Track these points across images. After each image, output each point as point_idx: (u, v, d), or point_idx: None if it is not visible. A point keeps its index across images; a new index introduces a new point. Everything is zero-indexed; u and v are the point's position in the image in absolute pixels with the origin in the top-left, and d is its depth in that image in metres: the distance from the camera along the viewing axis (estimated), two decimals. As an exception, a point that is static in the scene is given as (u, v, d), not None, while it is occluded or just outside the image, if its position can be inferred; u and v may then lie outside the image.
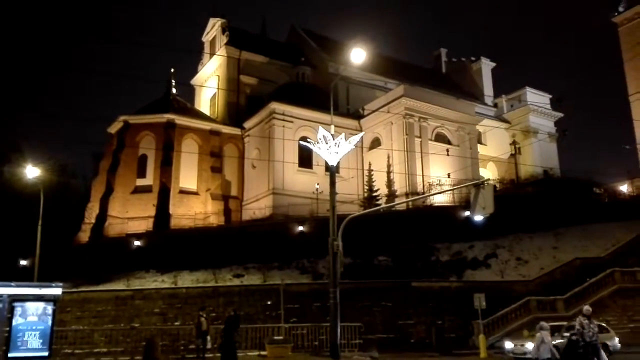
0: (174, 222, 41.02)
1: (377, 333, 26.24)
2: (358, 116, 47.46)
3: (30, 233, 29.82)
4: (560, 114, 60.36)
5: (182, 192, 43.48)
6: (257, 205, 42.66)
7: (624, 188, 46.20)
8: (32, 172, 28.21)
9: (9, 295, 16.89)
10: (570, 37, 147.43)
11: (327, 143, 19.83)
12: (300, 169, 43.41)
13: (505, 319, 27.16)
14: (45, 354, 16.49)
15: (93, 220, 41.93)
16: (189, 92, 58.38)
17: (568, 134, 39.39)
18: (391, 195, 40.11)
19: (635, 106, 53.35)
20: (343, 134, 20.70)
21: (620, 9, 55.76)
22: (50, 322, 16.84)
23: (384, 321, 27.20)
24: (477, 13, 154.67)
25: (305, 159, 43.18)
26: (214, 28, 55.38)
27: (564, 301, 27.62)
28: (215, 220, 42.07)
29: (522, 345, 20.43)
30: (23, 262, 37.01)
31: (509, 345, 21.65)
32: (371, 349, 22.82)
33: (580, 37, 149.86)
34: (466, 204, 30.93)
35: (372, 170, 41.35)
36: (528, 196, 39.30)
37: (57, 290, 17.65)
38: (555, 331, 21.04)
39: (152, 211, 41.24)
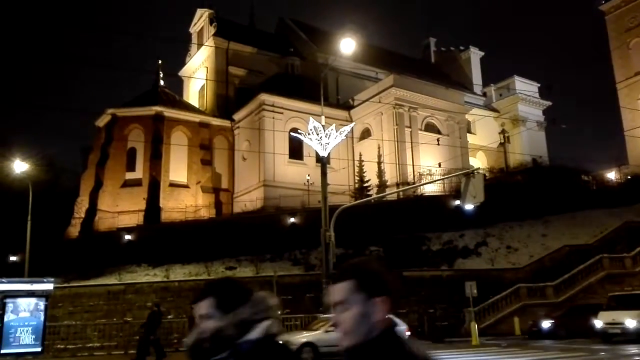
0: (165, 216, 40.88)
1: (370, 322, 26.40)
2: (348, 107, 47.40)
3: (19, 228, 29.54)
4: (549, 103, 60.74)
5: (173, 185, 43.27)
6: (248, 198, 42.59)
7: (612, 175, 46.70)
8: (20, 166, 27.91)
9: (0, 292, 16.83)
10: (559, 26, 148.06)
11: (317, 134, 19.86)
12: (291, 160, 43.34)
13: (496, 306, 27.50)
14: (38, 349, 16.49)
15: (83, 215, 41.65)
16: (177, 84, 58.02)
17: (557, 122, 39.71)
18: (382, 186, 40.22)
19: (623, 94, 53.80)
20: (333, 124, 20.73)
21: (608, -3, 56.04)
22: (42, 318, 16.84)
23: (376, 311, 27.36)
24: (466, 2, 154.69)
25: (296, 150, 43.10)
26: (201, 19, 54.88)
27: (554, 288, 27.99)
28: (206, 213, 41.95)
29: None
30: (13, 258, 36.67)
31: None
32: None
33: (568, 25, 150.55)
34: (456, 193, 31.10)
35: (362, 160, 41.39)
36: (517, 185, 39.63)
37: (48, 286, 17.63)
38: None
39: (142, 205, 41.04)
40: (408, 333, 17.63)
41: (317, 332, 17.64)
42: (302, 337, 17.48)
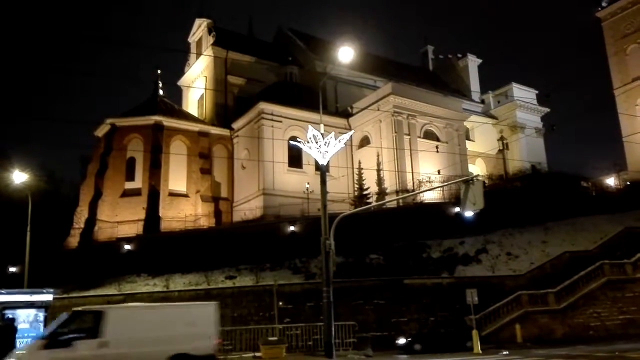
0: (164, 225, 40.78)
1: (371, 331, 26.31)
2: (347, 115, 47.50)
3: (19, 239, 29.47)
4: (547, 109, 60.94)
5: (172, 194, 43.22)
6: (247, 206, 42.53)
7: (611, 181, 46.68)
8: (19, 177, 27.88)
9: (0, 303, 16.78)
10: (556, 33, 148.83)
11: (317, 142, 19.87)
12: (290, 168, 43.36)
13: (497, 313, 27.40)
14: (38, 361, 16.36)
15: (82, 225, 41.53)
16: (177, 94, 58.16)
17: (556, 128, 39.84)
18: (381, 193, 40.20)
19: (620, 100, 53.93)
20: (332, 133, 20.74)
21: (604, 3, 56.32)
22: (41, 329, 16.78)
23: (377, 319, 27.28)
24: (463, 10, 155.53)
25: (295, 158, 43.15)
26: (200, 29, 55.11)
27: (555, 294, 27.90)
28: (206, 222, 41.88)
29: None
30: (12, 269, 36.59)
31: None
32: (365, 347, 22.88)
33: (565, 32, 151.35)
34: (456, 201, 31.12)
35: (362, 168, 41.39)
36: (517, 191, 39.61)
37: (48, 297, 17.60)
38: None
39: (141, 214, 40.96)
40: None
41: None
42: None
